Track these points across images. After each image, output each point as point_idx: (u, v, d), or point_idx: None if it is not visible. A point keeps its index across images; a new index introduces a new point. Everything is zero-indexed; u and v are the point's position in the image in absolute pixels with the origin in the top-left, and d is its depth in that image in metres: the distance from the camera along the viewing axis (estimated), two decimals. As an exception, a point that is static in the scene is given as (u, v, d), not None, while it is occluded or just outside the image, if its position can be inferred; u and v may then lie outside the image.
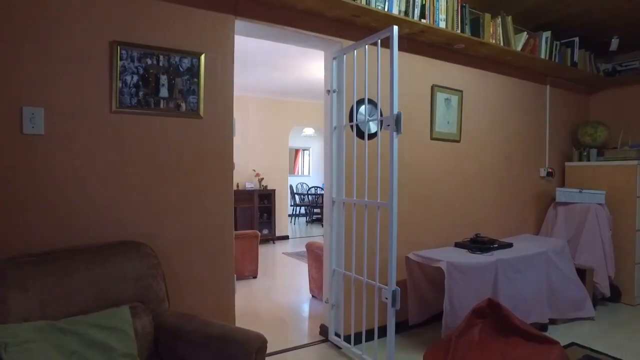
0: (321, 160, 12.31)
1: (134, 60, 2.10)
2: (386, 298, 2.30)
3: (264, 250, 6.58)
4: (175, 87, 2.21)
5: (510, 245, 3.11)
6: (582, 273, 3.38)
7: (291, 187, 10.21)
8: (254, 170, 7.32)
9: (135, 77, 2.11)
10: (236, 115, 6.87)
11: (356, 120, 2.71)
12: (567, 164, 4.27)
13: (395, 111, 2.25)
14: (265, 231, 7.23)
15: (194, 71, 2.27)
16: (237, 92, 7.05)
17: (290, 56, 4.92)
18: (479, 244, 3.02)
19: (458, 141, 3.49)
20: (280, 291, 4.34)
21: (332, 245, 2.86)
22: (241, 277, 4.70)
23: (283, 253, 6.39)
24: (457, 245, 3.14)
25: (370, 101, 2.96)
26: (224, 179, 2.42)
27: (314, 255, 3.91)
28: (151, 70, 2.15)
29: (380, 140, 2.51)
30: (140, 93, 2.12)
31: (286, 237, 7.74)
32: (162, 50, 2.17)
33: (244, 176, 7.27)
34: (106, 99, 2.04)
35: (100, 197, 2.03)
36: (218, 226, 2.38)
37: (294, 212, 10.23)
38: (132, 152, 2.11)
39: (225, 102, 2.41)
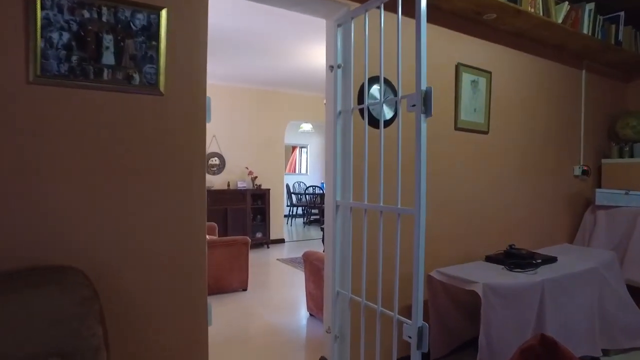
0: (319, 159, 11.72)
1: (62, 10, 1.50)
2: (409, 337, 1.72)
3: (256, 256, 5.99)
4: (125, 52, 1.62)
5: (553, 259, 2.53)
6: (632, 291, 2.82)
7: (288, 186, 9.63)
8: (247, 168, 6.73)
9: (66, 36, 1.51)
10: (226, 107, 6.25)
11: (367, 102, 2.12)
12: (604, 161, 3.70)
13: (424, 86, 1.67)
14: (259, 234, 6.64)
15: (151, 31, 1.67)
16: (226, 82, 6.50)
17: (284, 39, 4.33)
18: (516, 259, 2.44)
19: (486, 132, 2.92)
20: (274, 308, 3.76)
21: (336, 261, 2.27)
22: (229, 290, 4.11)
23: (278, 259, 5.80)
24: (489, 259, 2.56)
25: (385, 80, 2.38)
26: (193, 178, 1.83)
27: (312, 268, 3.33)
28: (90, 27, 1.55)
29: (401, 128, 1.92)
30: (74, 58, 1.53)
31: (282, 241, 7.16)
32: (105, 0, 1.57)
33: (235, 174, 6.68)
34: (21, 64, 1.44)
35: (12, 203, 1.44)
36: (185, 240, 1.80)
37: (291, 213, 9.65)
38: (60, 140, 1.52)
39: (196, 74, 1.82)
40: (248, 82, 6.54)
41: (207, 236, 4.20)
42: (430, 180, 2.57)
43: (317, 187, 9.04)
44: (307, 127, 9.51)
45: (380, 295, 1.95)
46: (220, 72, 5.81)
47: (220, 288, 4.03)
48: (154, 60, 1.68)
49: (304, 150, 11.76)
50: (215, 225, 5.30)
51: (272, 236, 6.90)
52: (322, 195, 9.16)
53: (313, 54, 4.90)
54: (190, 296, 1.81)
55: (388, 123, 2.41)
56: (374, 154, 2.22)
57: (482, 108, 2.87)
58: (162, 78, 1.70)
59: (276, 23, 3.86)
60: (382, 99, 1.97)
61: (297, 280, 4.56)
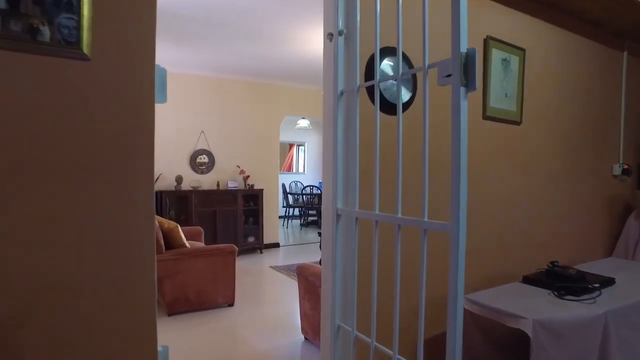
0: (317, 157, 11.19)
1: None
2: (442, 405, 1.21)
3: (247, 263, 5.47)
4: (27, -6, 1.10)
5: (611, 281, 2.02)
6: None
7: (284, 186, 9.11)
8: (238, 167, 6.20)
9: None
10: (216, 100, 5.73)
11: (378, 79, 1.59)
12: (646, 158, 3.20)
13: (464, 47, 1.16)
14: (251, 238, 6.12)
15: (70, -35, 1.15)
16: (214, 72, 5.92)
17: (277, 22, 3.80)
18: (564, 281, 1.93)
19: (518, 123, 2.40)
20: (263, 329, 3.24)
21: (336, 286, 1.75)
22: (212, 306, 3.59)
23: (271, 267, 5.28)
24: (529, 281, 2.05)
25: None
26: (136, 184, 1.30)
27: (307, 285, 2.82)
28: (-33, -48, 1.03)
29: (428, 109, 1.40)
30: (-60, -3, 1.00)
31: (276, 245, 6.64)
32: None
33: (225, 173, 6.15)
34: None
35: None
36: (125, 266, 1.27)
37: (287, 214, 9.13)
38: None
39: (140, 32, 1.29)
40: (239, 73, 6.01)
41: (188, 242, 3.67)
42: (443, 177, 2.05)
43: (315, 187, 8.53)
44: (304, 123, 8.98)
45: (397, 337, 1.42)
46: (207, 61, 5.28)
47: (202, 304, 3.51)
48: (73, 7, 1.15)
49: (301, 148, 11.23)
50: (201, 229, 4.78)
51: (266, 240, 6.38)
52: (319, 196, 8.64)
53: (311, 40, 4.38)
54: (134, 337, 1.29)
55: (404, 107, 1.89)
56: (387, 148, 1.70)
57: (515, 93, 2.35)
58: (86, 35, 1.17)
59: (269, 2, 3.34)
60: (401, 72, 1.45)
61: (292, 293, 4.05)
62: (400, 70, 1.42)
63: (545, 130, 2.57)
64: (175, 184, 5.62)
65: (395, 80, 1.89)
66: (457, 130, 1.16)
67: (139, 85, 1.29)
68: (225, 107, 6.14)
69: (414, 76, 1.98)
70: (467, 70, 1.16)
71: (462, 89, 1.16)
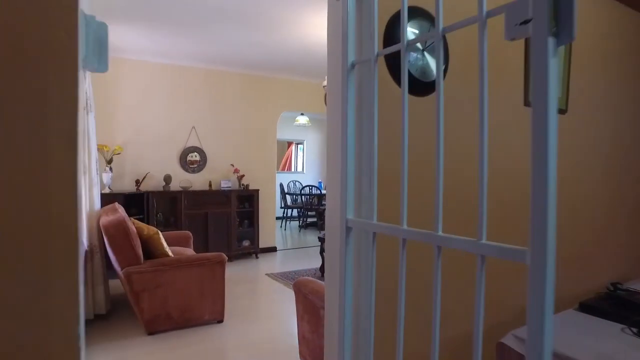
0: (317, 156, 10.77)
1: None
2: None
3: (241, 270, 5.05)
4: None
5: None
6: None
7: (282, 186, 8.69)
8: (232, 166, 5.77)
9: None
10: (208, 94, 5.29)
11: (406, 44, 1.16)
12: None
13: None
14: (246, 242, 5.70)
15: None
16: (206, 64, 5.40)
17: (274, 5, 3.37)
18: (636, 310, 1.51)
19: (564, 111, 1.98)
20: (256, 351, 2.82)
21: (345, 318, 1.32)
22: (199, 323, 3.17)
23: (267, 274, 4.86)
24: (587, 309, 1.62)
25: (423, 13, 1.44)
26: (44, 171, 0.87)
27: (307, 304, 2.39)
28: None
29: (486, 82, 0.96)
30: None
31: (273, 250, 6.21)
32: None
33: (218, 173, 5.72)
34: None
35: None
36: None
37: (285, 215, 8.71)
38: None
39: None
40: (233, 65, 5.58)
41: (174, 249, 3.24)
42: (490, 183, 1.63)
43: (314, 187, 8.11)
44: (303, 120, 8.55)
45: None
46: (198, 51, 4.86)
47: (186, 321, 3.08)
48: None
49: (299, 147, 10.80)
50: (190, 234, 4.35)
51: (262, 244, 5.96)
52: (319, 196, 8.22)
53: (312, 25, 3.95)
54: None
55: (430, 88, 1.47)
56: (413, 140, 1.28)
57: (560, 75, 1.93)
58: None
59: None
60: (441, 30, 1.01)
61: (290, 306, 3.63)
62: (441, 30, 0.99)
63: (594, 121, 2.15)
64: (164, 183, 5.19)
65: (426, 45, 1.47)
66: (543, 111, 0.73)
67: (54, 38, 0.86)
68: (218, 101, 5.72)
69: (445, 43, 1.56)
70: (558, 11, 0.73)
71: (551, 41, 0.73)
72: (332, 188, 1.44)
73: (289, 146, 10.66)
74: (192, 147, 5.52)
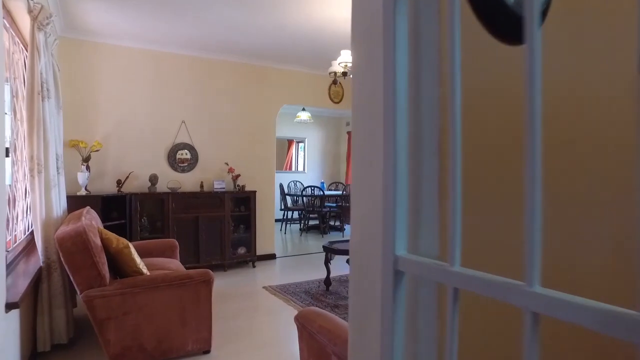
0: (320, 154, 10.21)
1: None
2: None
3: (236, 282, 4.49)
4: None
5: None
6: None
7: (281, 186, 8.13)
8: (227, 164, 5.22)
9: None
10: (200, 85, 4.70)
11: None
12: None
13: None
14: (242, 250, 5.14)
15: None
16: (197, 51, 4.73)
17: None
18: None
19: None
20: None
21: None
22: (180, 354, 2.61)
23: (265, 287, 4.30)
24: None
25: None
26: None
27: (312, 344, 1.83)
28: None
29: None
30: None
31: (272, 257, 5.65)
32: None
33: (211, 172, 5.17)
34: None
35: None
36: None
37: (285, 217, 8.15)
38: None
39: None
40: (228, 52, 5.03)
41: (145, 265, 2.68)
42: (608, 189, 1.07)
43: (316, 187, 7.56)
44: (304, 116, 8.01)
45: None
46: (186, 36, 4.31)
47: (164, 353, 2.53)
48: None
49: (300, 145, 10.24)
50: (176, 243, 3.79)
51: (260, 251, 5.40)
52: (321, 197, 7.66)
53: (317, 3, 3.39)
54: None
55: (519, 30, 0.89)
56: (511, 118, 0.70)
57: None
58: None
59: None
60: None
61: (291, 329, 3.07)
62: None
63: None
64: (149, 184, 4.63)
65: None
66: None
67: None
68: (211, 93, 5.16)
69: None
70: None
71: None
72: (362, 202, 0.87)
73: (289, 144, 10.10)
74: (181, 143, 4.97)
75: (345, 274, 4.76)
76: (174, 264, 3.34)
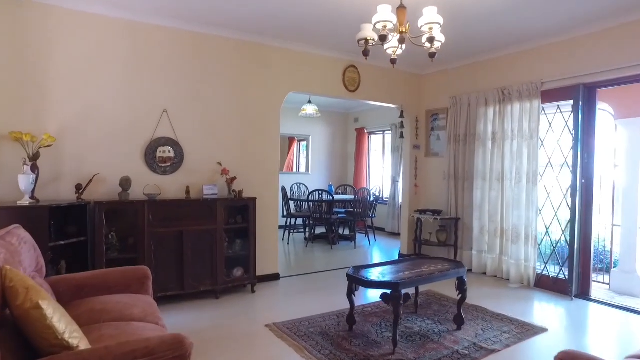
0: (327, 153, 9.20)
1: None
2: None
3: (230, 316, 3.46)
4: None
5: None
6: None
7: (284, 189, 7.12)
8: (220, 165, 4.20)
9: None
10: (186, 66, 3.36)
11: None
12: None
13: None
14: (238, 271, 4.12)
15: None
16: (184, 24, 3.61)
17: None
18: None
19: None
20: None
21: None
22: None
23: (268, 326, 3.27)
24: None
25: None
26: None
27: None
28: None
29: None
30: None
31: (275, 277, 4.64)
32: None
33: (200, 175, 4.15)
34: None
35: None
36: None
37: (288, 224, 7.13)
38: None
39: None
40: (222, 27, 4.03)
41: (77, 325, 1.61)
42: None
43: (325, 191, 6.56)
44: (310, 109, 7.00)
45: None
46: (171, 3, 3.31)
47: None
48: None
49: (302, 144, 9.22)
50: (146, 272, 2.75)
51: (260, 270, 4.39)
52: (330, 203, 6.66)
53: None
54: None
55: None
56: None
57: None
58: None
59: None
60: None
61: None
62: None
63: None
64: (120, 190, 3.61)
65: None
66: None
67: None
68: (202, 76, 4.15)
69: None
70: None
71: None
72: None
73: (290, 143, 9.09)
74: (162, 138, 3.95)
75: (369, 305, 3.75)
76: (141, 307, 2.32)
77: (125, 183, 3.61)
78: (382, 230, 8.13)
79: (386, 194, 8.31)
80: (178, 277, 3.73)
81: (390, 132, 8.26)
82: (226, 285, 3.99)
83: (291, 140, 9.04)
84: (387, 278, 2.91)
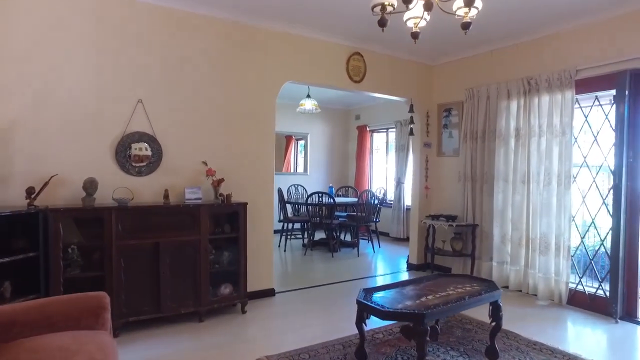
0: (327, 152, 8.63)
1: None
2: None
3: (214, 347, 2.86)
4: None
5: None
6: None
7: (280, 191, 6.54)
8: (205, 164, 3.62)
9: None
10: (165, 48, 2.80)
11: None
12: None
13: None
14: (226, 288, 3.53)
15: None
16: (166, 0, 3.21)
17: None
18: None
19: None
20: None
21: None
22: None
23: (259, 361, 2.69)
24: None
25: None
26: None
27: None
28: None
29: None
30: None
31: (269, 293, 4.06)
32: None
33: (181, 175, 3.57)
34: None
35: None
36: None
37: (285, 228, 6.54)
38: None
39: None
40: (210, 4, 3.46)
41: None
42: None
43: (325, 194, 5.99)
44: (309, 104, 6.42)
45: None
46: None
47: None
48: None
49: (300, 142, 8.65)
50: (103, 299, 2.16)
51: (252, 286, 3.81)
52: (330, 207, 6.08)
53: None
54: None
55: None
56: None
57: None
58: None
59: None
60: None
61: None
62: None
63: None
64: (84, 194, 3.02)
65: None
66: None
67: None
68: (184, 61, 3.56)
69: None
70: None
71: None
72: None
73: (287, 141, 8.51)
74: (137, 133, 3.36)
75: (380, 329, 3.17)
76: (87, 355, 1.73)
77: (90, 186, 3.02)
78: (386, 235, 7.56)
79: (390, 196, 7.75)
80: (154, 298, 3.15)
81: (394, 129, 7.69)
82: (211, 306, 3.40)
83: (289, 138, 8.47)
84: (408, 306, 2.33)
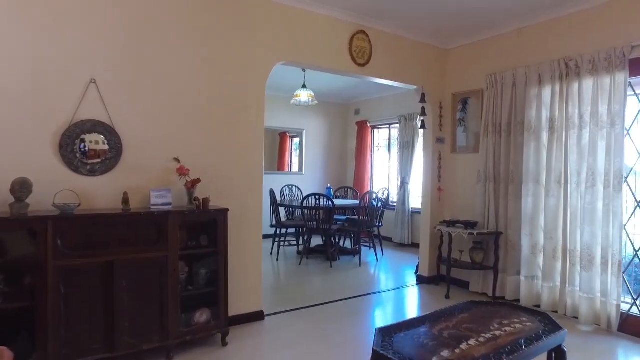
0: (324, 150, 7.95)
1: None
2: None
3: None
4: None
5: None
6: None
7: (272, 192, 5.85)
8: (177, 161, 2.93)
9: None
10: (127, 15, 2.38)
11: None
12: None
13: None
14: (202, 315, 2.84)
15: None
16: None
17: None
18: None
19: None
20: None
21: None
22: None
23: None
24: None
25: None
26: None
27: None
28: None
29: None
30: None
31: (258, 317, 3.37)
32: None
33: (146, 175, 2.87)
34: None
35: None
36: None
37: (277, 233, 5.84)
38: None
39: None
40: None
41: None
42: None
43: (322, 195, 5.31)
44: (305, 96, 5.71)
45: None
46: None
47: None
48: None
49: (294, 140, 7.96)
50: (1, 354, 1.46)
51: (236, 309, 3.13)
52: (329, 211, 5.39)
53: None
54: None
55: None
56: None
57: None
58: None
59: None
60: None
61: None
62: None
63: None
64: (13, 200, 2.31)
65: None
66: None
67: None
68: (151, 31, 2.86)
69: None
70: None
71: None
72: None
73: (282, 138, 7.82)
74: (89, 121, 2.66)
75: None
76: None
77: (20, 189, 2.31)
78: (388, 240, 6.90)
79: (393, 198, 7.09)
80: (106, 332, 2.44)
81: (397, 125, 7.03)
82: (183, 339, 2.71)
83: (283, 135, 7.78)
84: (444, 358, 1.65)
